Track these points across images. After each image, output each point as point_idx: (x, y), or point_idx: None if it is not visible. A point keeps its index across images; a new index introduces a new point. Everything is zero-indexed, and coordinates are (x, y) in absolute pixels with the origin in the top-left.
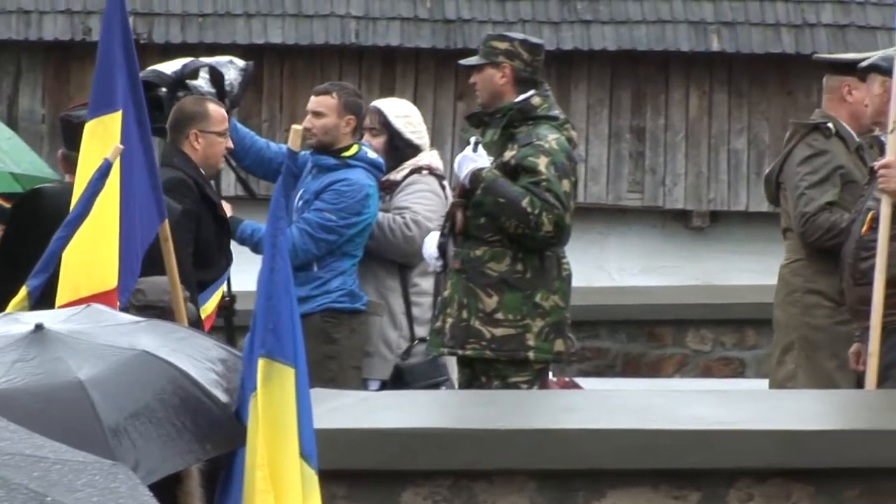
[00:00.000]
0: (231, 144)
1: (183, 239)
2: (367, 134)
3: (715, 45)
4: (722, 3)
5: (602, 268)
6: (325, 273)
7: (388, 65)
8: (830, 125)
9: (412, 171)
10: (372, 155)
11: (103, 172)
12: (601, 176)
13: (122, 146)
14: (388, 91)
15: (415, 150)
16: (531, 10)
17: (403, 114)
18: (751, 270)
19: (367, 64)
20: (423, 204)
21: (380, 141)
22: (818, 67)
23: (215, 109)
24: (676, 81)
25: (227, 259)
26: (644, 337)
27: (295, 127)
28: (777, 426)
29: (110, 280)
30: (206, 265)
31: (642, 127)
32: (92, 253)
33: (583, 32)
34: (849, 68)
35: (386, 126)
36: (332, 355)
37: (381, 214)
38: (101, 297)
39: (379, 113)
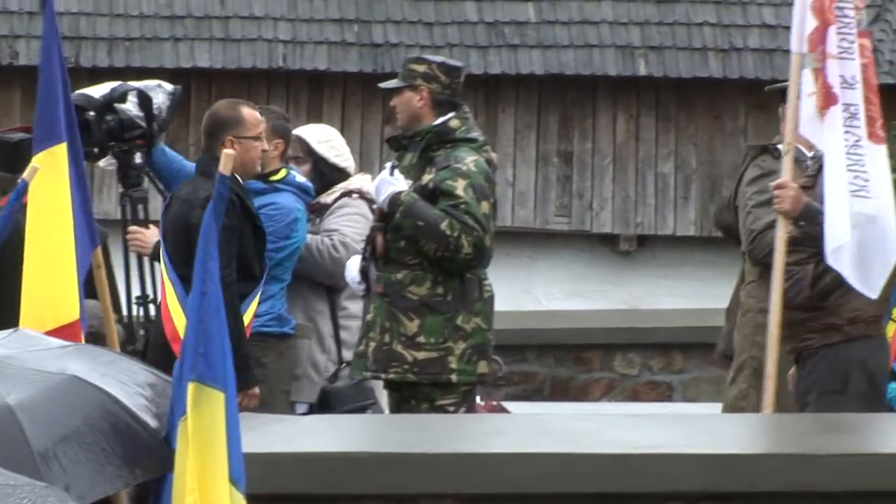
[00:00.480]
0: (266, 146)
1: (227, 254)
2: (291, 163)
3: (642, 70)
4: (649, 27)
5: (529, 292)
6: None
7: (316, 89)
8: (780, 147)
9: (343, 195)
10: (300, 179)
11: (20, 192)
12: (528, 200)
13: (38, 166)
14: (315, 115)
15: (341, 173)
16: (458, 35)
17: (325, 139)
18: (678, 294)
19: (295, 88)
20: (351, 227)
21: (305, 168)
22: (755, 95)
23: (250, 113)
24: (604, 105)
25: (262, 268)
26: (571, 361)
27: (226, 151)
28: (705, 450)
29: (74, 311)
30: (247, 278)
31: (570, 151)
32: (53, 283)
33: (510, 57)
34: None
35: (310, 153)
36: (261, 379)
37: (309, 236)
38: (67, 329)
39: (301, 141)
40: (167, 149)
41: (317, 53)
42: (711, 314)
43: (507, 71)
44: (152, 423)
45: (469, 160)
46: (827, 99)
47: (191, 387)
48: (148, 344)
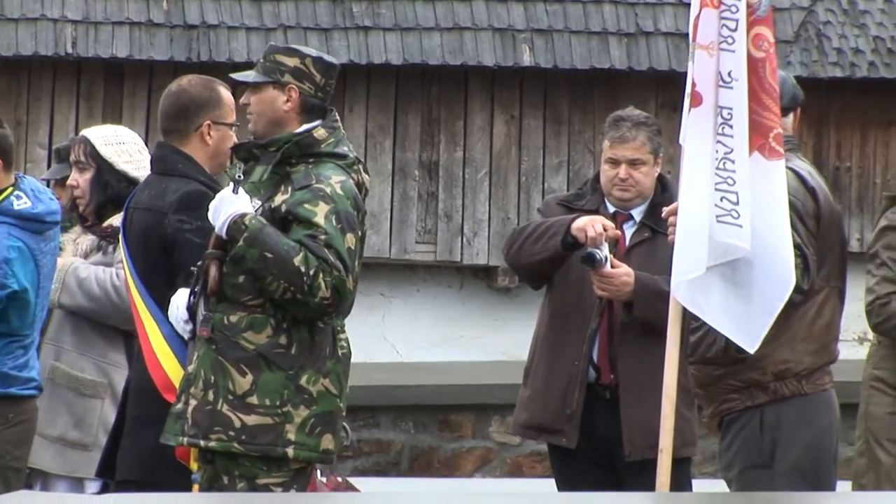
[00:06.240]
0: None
1: (196, 259)
2: (73, 169)
3: (526, 59)
4: (535, 4)
5: (384, 338)
6: None
7: (115, 81)
8: None
9: None
10: (20, 205)
11: None
12: (383, 223)
13: None
14: (113, 114)
15: (130, 185)
16: (295, 14)
17: (116, 140)
18: None
19: (88, 80)
20: None
21: (86, 177)
22: (670, 91)
23: (227, 96)
24: (478, 103)
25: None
26: (436, 426)
27: None
28: None
29: None
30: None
31: (435, 161)
32: None
33: (360, 41)
34: None
35: (94, 157)
36: None
37: (95, 269)
38: None
39: (85, 143)
40: None
41: (115, 37)
42: None
43: (355, 59)
44: None
45: (335, 181)
46: (692, 98)
47: None
48: (127, 394)
